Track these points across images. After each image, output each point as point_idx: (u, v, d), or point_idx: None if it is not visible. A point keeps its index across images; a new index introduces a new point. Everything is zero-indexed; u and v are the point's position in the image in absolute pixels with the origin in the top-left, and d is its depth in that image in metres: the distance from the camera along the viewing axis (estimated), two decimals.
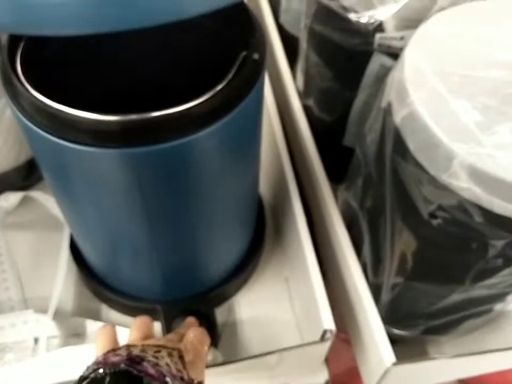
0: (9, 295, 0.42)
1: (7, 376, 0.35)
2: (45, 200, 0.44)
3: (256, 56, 0.28)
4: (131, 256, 0.36)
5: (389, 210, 0.33)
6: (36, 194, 0.44)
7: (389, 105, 0.31)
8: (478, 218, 0.27)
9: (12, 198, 0.44)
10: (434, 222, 0.30)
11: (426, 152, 0.28)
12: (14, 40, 0.28)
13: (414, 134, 0.28)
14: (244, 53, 0.28)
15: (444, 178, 0.27)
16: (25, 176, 0.46)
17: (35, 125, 0.26)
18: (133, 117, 0.25)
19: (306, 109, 0.47)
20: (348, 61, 0.40)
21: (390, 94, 0.31)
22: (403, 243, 0.33)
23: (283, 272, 0.44)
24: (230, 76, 0.27)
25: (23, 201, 0.46)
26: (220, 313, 0.41)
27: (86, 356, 0.33)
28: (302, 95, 0.48)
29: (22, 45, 0.29)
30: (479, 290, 0.33)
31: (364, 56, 0.38)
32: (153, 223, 0.32)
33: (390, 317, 0.37)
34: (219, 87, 0.26)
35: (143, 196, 0.28)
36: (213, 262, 0.39)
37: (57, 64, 0.30)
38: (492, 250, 0.29)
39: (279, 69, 0.50)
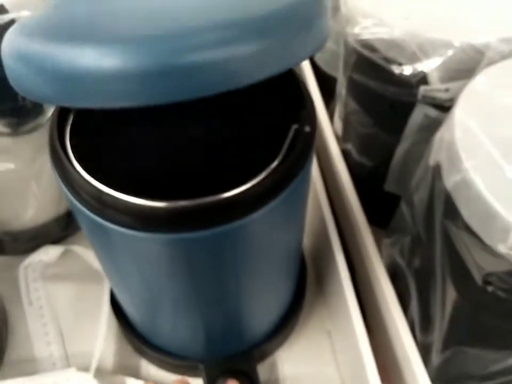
0: (51, 351, 0.42)
1: None
2: (85, 253, 0.44)
3: (307, 129, 0.27)
4: (173, 317, 0.36)
5: (439, 273, 0.32)
6: (76, 248, 0.44)
7: (438, 166, 0.30)
8: None
9: (52, 251, 0.44)
10: (489, 288, 0.29)
11: (481, 222, 0.27)
12: (63, 113, 0.28)
13: (467, 201, 0.27)
14: (295, 126, 0.27)
15: (501, 248, 0.26)
16: (65, 227, 0.47)
17: (80, 203, 0.26)
18: (182, 203, 0.24)
19: (345, 153, 0.46)
20: (389, 109, 0.38)
21: (439, 154, 0.30)
22: (454, 307, 0.32)
23: (325, 325, 0.43)
24: (283, 151, 0.26)
25: (63, 253, 0.46)
26: (262, 370, 0.40)
27: None
28: (341, 139, 0.47)
29: (71, 118, 0.28)
30: None
31: (406, 106, 0.37)
32: (197, 291, 0.31)
33: (440, 378, 0.36)
34: (273, 165, 0.25)
35: (189, 274, 0.28)
36: (255, 320, 0.38)
37: (102, 137, 0.29)
38: None
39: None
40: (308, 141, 0.27)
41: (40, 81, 0.23)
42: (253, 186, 0.24)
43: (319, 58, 0.54)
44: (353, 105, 0.41)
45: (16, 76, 0.24)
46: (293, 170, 0.26)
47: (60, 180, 0.27)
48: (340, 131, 0.47)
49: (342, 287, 0.38)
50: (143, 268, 0.29)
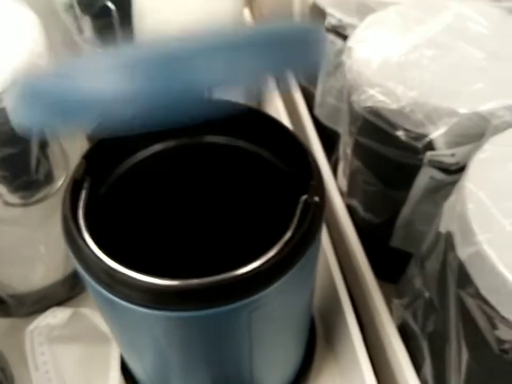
0: None
1: None
2: (92, 315, 0.44)
3: (316, 199, 0.28)
4: None
5: (454, 338, 0.32)
6: (84, 310, 0.44)
7: (450, 235, 0.30)
8: None
9: (60, 315, 0.44)
10: (506, 357, 0.29)
11: (497, 294, 0.27)
12: (76, 188, 0.29)
13: (482, 273, 0.27)
14: (305, 197, 0.28)
15: None
16: (71, 288, 0.46)
17: (92, 279, 0.26)
18: (194, 281, 0.24)
19: (350, 209, 0.46)
20: (395, 171, 0.39)
21: (450, 223, 0.30)
22: (469, 372, 0.32)
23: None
24: (294, 224, 0.26)
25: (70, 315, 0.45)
26: None
27: None
28: (345, 195, 0.48)
29: (83, 193, 0.29)
30: None
31: (412, 168, 0.38)
32: (208, 363, 0.31)
33: None
34: (285, 239, 0.26)
35: (199, 348, 0.28)
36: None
37: (115, 213, 0.30)
38: None
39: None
40: (317, 211, 0.28)
41: (36, 108, 0.23)
42: (266, 261, 0.25)
43: (319, 113, 0.55)
44: (359, 164, 0.42)
45: (18, 112, 0.24)
46: (305, 242, 0.27)
47: (72, 256, 0.27)
48: (344, 187, 0.48)
49: (354, 347, 0.38)
50: (153, 342, 0.29)
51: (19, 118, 0.25)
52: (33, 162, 0.34)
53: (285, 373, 0.39)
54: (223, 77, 0.22)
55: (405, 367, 0.37)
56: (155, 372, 0.35)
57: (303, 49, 0.24)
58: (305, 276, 0.30)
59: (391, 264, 0.45)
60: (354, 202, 0.46)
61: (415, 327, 0.36)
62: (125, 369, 0.41)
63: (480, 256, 0.27)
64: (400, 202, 0.41)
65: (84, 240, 0.26)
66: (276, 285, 0.26)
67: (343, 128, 0.44)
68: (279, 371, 0.37)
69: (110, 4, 0.43)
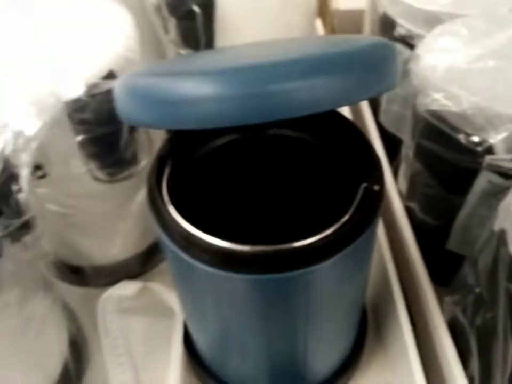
0: (124, 380, 0.45)
1: None
2: (160, 290, 0.48)
3: (376, 187, 0.30)
4: (241, 352, 0.38)
5: (501, 333, 0.33)
6: (153, 285, 0.48)
7: (503, 233, 0.32)
8: None
9: (130, 287, 0.48)
10: None
11: None
12: (160, 165, 0.33)
13: None
14: (365, 185, 0.30)
15: None
16: (143, 264, 0.51)
17: (174, 243, 0.29)
18: (263, 248, 0.27)
19: (409, 211, 0.48)
20: (454, 174, 0.41)
21: (504, 221, 0.32)
22: None
23: (384, 376, 0.44)
24: (353, 207, 0.29)
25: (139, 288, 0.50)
26: None
27: None
28: (405, 197, 0.50)
29: (166, 170, 0.33)
30: None
31: (471, 172, 0.39)
32: (266, 329, 0.34)
33: None
34: (343, 220, 0.28)
35: (260, 311, 0.31)
36: (317, 362, 0.40)
37: (194, 187, 0.33)
38: None
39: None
40: (376, 199, 0.30)
41: (143, 108, 0.27)
42: (324, 237, 0.28)
43: (384, 120, 0.57)
44: (419, 167, 0.44)
45: (125, 107, 0.28)
46: (361, 226, 0.29)
47: (155, 222, 0.30)
48: (403, 189, 0.50)
49: (404, 340, 0.40)
50: (219, 303, 0.32)
51: (120, 109, 0.29)
52: (122, 143, 0.38)
53: (335, 358, 0.41)
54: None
55: (452, 362, 0.38)
56: (216, 339, 0.38)
57: (381, 73, 0.27)
58: (359, 259, 0.32)
59: (445, 267, 0.46)
60: (413, 204, 0.48)
61: (465, 322, 0.37)
62: (187, 342, 0.45)
63: None
64: (458, 206, 0.43)
65: (166, 208, 0.30)
66: (332, 260, 0.28)
67: (406, 132, 0.46)
68: (330, 353, 0.40)
69: (195, 8, 0.47)
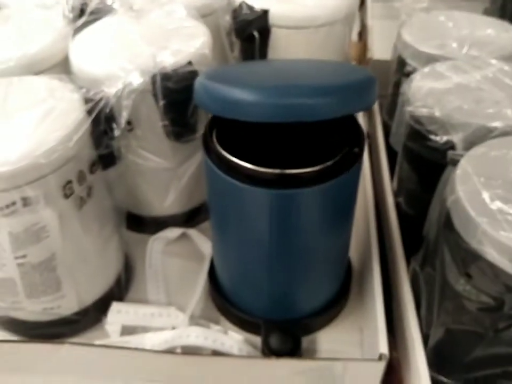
0: (159, 298, 0.59)
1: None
2: (197, 237, 0.62)
3: (356, 150, 0.44)
4: (249, 276, 0.52)
5: (439, 276, 0.45)
6: (191, 232, 0.63)
7: (445, 199, 0.45)
8: None
9: (175, 232, 0.63)
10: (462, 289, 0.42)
11: (464, 227, 0.41)
12: (212, 125, 0.48)
13: (457, 214, 0.42)
14: (348, 148, 0.44)
15: (474, 244, 0.40)
16: (188, 220, 0.65)
17: (219, 169, 0.44)
18: (281, 171, 0.42)
19: (397, 205, 0.61)
20: (429, 169, 0.54)
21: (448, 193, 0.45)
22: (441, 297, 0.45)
23: (359, 323, 0.56)
24: (339, 155, 0.43)
25: (181, 236, 0.64)
26: (304, 342, 0.54)
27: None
28: (396, 194, 0.63)
29: (215, 129, 0.48)
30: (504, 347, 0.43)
31: (441, 167, 0.52)
32: (271, 250, 0.47)
33: (434, 363, 0.48)
34: (335, 159, 0.43)
35: (271, 226, 0.45)
36: (307, 295, 0.53)
37: (236, 138, 0.48)
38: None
39: (383, 177, 0.66)
40: (356, 156, 0.44)
41: (211, 102, 0.43)
42: (319, 169, 0.42)
43: (393, 141, 0.71)
44: (405, 165, 0.57)
45: (200, 99, 0.44)
46: (345, 167, 0.43)
47: (205, 154, 0.45)
48: (395, 188, 0.63)
49: (374, 291, 0.52)
50: (241, 213, 0.46)
51: (197, 97, 0.44)
52: (189, 112, 0.54)
53: (323, 294, 0.54)
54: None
55: (408, 306, 0.50)
56: (234, 258, 0.51)
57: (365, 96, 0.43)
58: (343, 197, 0.46)
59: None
60: (400, 199, 0.61)
61: (418, 271, 0.50)
62: (211, 276, 0.58)
63: (458, 202, 0.42)
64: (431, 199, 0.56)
65: (213, 144, 0.45)
66: (322, 186, 0.42)
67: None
68: (319, 287, 0.52)
69: (255, 33, 0.64)
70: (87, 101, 0.47)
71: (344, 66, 0.55)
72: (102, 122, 0.48)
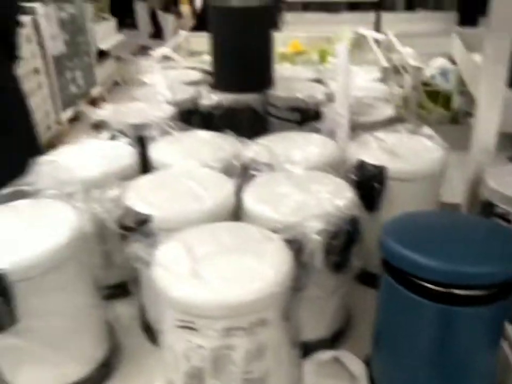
0: None
1: None
2: (348, 359, 0.71)
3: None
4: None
5: None
6: (342, 354, 0.72)
7: None
8: None
9: (326, 354, 0.72)
10: None
11: None
12: None
13: None
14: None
15: None
16: (333, 341, 0.75)
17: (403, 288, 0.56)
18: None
19: None
20: None
21: None
22: None
23: None
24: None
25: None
26: None
27: None
28: None
29: None
30: None
31: None
32: (444, 363, 0.58)
33: None
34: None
35: (446, 342, 0.56)
36: None
37: None
38: None
39: None
40: None
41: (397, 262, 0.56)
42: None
43: None
44: None
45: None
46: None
47: (389, 278, 0.57)
48: None
49: None
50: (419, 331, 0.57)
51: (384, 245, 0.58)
52: (351, 251, 0.67)
53: None
54: None
55: None
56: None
57: None
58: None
59: None
60: None
61: None
62: None
63: None
64: None
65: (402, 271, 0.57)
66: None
67: None
68: None
69: (375, 185, 0.80)
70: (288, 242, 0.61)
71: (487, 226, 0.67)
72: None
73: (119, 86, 4.56)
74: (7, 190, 0.72)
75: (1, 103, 1.63)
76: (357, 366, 0.71)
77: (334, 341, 0.75)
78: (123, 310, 0.82)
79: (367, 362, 0.69)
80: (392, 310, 0.60)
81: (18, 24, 1.82)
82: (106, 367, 0.72)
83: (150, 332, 0.78)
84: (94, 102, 3.97)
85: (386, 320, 0.61)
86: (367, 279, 0.80)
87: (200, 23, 3.68)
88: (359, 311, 0.81)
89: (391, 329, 0.61)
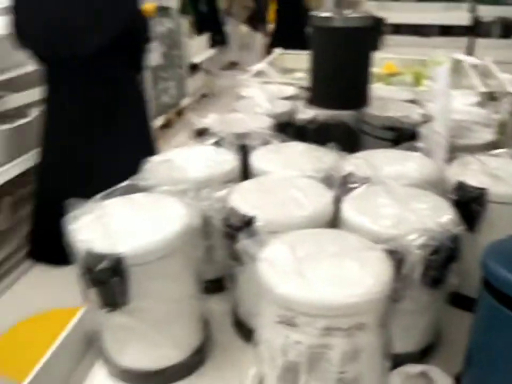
0: None
1: None
2: (437, 375, 0.71)
3: None
4: None
5: None
6: (431, 369, 0.72)
7: None
8: None
9: (415, 368, 0.73)
10: None
11: None
12: None
13: None
14: None
15: None
16: (421, 357, 0.75)
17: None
18: None
19: None
20: None
21: None
22: None
23: None
24: None
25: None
26: None
27: None
28: None
29: None
30: None
31: None
32: None
33: None
34: None
35: None
36: None
37: None
38: None
39: None
40: None
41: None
42: None
43: None
44: None
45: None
46: None
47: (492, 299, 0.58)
48: None
49: None
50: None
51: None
52: (449, 267, 0.68)
53: None
54: None
55: None
56: None
57: None
58: None
59: None
60: None
61: None
62: None
63: None
64: None
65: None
66: None
67: None
68: None
69: (474, 206, 0.80)
70: (389, 253, 0.62)
71: None
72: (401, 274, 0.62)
73: (207, 98, 4.74)
74: (124, 184, 0.79)
75: (129, 110, 2.04)
76: (445, 382, 0.71)
77: (422, 356, 0.76)
78: (217, 305, 0.86)
79: (458, 379, 0.69)
80: (491, 330, 0.60)
81: (147, 41, 2.06)
82: (201, 356, 0.77)
83: (241, 328, 0.82)
84: (181, 112, 4.16)
85: (483, 339, 0.61)
86: (459, 301, 0.80)
87: (274, 41, 3.76)
88: (449, 330, 0.81)
89: (489, 349, 0.61)
